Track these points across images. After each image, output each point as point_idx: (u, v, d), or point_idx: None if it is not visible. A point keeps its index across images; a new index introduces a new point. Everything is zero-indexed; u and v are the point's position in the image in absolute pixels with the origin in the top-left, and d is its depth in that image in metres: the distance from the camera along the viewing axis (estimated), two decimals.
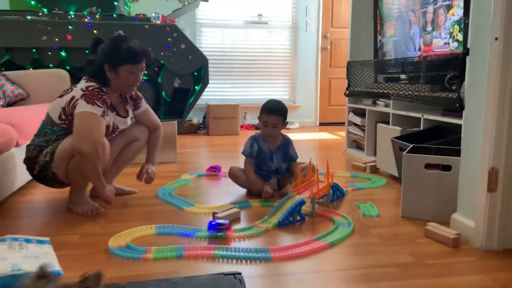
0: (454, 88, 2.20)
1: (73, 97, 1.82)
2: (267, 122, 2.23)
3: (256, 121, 5.24)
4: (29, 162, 1.89)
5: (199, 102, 4.61)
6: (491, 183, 1.48)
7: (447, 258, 1.45)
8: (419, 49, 2.67)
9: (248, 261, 1.43)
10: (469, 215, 1.61)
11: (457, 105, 2.09)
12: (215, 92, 5.33)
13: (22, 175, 2.16)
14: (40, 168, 1.86)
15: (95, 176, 1.82)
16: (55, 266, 1.31)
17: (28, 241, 1.44)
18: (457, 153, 1.84)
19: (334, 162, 2.96)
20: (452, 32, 2.34)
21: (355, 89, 3.32)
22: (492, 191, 1.49)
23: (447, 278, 1.31)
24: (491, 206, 1.50)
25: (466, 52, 2.06)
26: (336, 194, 2.14)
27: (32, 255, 1.34)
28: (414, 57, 2.66)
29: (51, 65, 3.74)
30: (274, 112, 2.22)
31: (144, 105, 2.13)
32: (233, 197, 2.21)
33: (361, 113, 3.35)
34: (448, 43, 2.38)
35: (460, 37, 2.28)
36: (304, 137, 4.60)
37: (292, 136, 4.23)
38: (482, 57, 1.55)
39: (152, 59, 1.96)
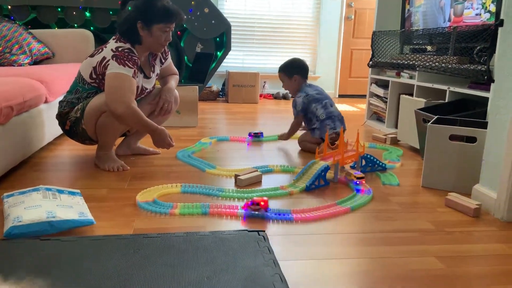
0: (483, 60, 2.15)
1: (104, 58, 1.84)
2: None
3: (275, 91, 5.22)
4: (61, 117, 1.94)
5: (219, 69, 4.59)
6: None
7: (467, 227, 1.47)
8: (449, 20, 2.60)
9: (271, 220, 1.47)
10: (491, 186, 1.61)
11: (486, 77, 2.05)
12: (235, 59, 5.29)
13: (51, 131, 2.23)
14: (71, 124, 1.91)
15: (143, 126, 1.87)
16: (88, 215, 1.37)
17: (60, 191, 1.50)
18: (482, 125, 1.83)
19: (354, 133, 2.96)
20: (484, 3, 2.27)
21: (379, 60, 3.26)
22: None
23: (466, 245, 1.33)
24: None
25: (499, 23, 2.01)
26: (372, 166, 2.10)
27: (65, 204, 1.40)
28: (445, 27, 2.59)
29: (75, 25, 3.75)
30: (279, 68, 2.55)
31: (169, 59, 2.20)
32: (253, 161, 2.25)
33: (383, 84, 3.31)
34: (480, 14, 2.32)
35: (492, 8, 2.21)
36: None
37: None
38: None
39: (184, 20, 1.97)
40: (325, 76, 5.56)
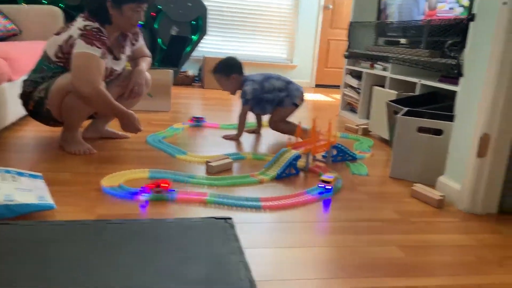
0: (453, 54, 2.19)
1: (70, 36, 1.77)
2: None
3: None
4: (25, 97, 1.87)
5: (195, 54, 4.52)
6: (482, 149, 1.51)
7: (431, 217, 1.50)
8: (423, 13, 2.62)
9: (239, 208, 1.46)
10: (455, 178, 1.65)
11: (456, 71, 2.09)
12: (213, 45, 5.22)
13: (14, 111, 2.14)
14: (35, 104, 1.84)
15: (111, 109, 1.81)
16: (48, 199, 1.32)
17: (20, 174, 1.44)
18: (450, 119, 1.86)
19: (327, 123, 2.97)
20: None
21: (355, 50, 3.28)
22: (482, 157, 1.52)
23: (429, 235, 1.36)
24: (478, 171, 1.53)
25: (470, 17, 2.03)
26: (343, 155, 2.11)
27: (25, 187, 1.35)
28: (418, 20, 2.62)
29: (44, 1, 3.60)
30: (213, 70, 2.46)
31: (141, 41, 2.13)
32: (225, 148, 2.23)
33: (358, 75, 3.33)
34: (453, 8, 2.34)
35: (465, 2, 2.24)
36: None
37: None
38: (487, 22, 1.53)
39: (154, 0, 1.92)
40: (302, 66, 5.56)
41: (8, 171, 1.43)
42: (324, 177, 1.66)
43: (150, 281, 0.97)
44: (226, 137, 2.43)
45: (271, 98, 2.41)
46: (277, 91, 2.40)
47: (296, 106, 2.45)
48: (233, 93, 2.50)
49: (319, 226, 1.38)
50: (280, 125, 2.45)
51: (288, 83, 2.45)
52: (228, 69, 2.43)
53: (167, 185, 1.48)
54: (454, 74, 2.11)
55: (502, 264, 1.21)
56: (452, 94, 2.17)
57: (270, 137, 2.53)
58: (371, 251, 1.22)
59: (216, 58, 4.71)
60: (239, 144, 2.33)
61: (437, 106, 2.14)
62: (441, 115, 1.96)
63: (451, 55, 2.23)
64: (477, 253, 1.26)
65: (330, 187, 1.63)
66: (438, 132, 1.83)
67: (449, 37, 2.27)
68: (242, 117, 2.41)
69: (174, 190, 1.49)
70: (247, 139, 2.45)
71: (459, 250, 1.28)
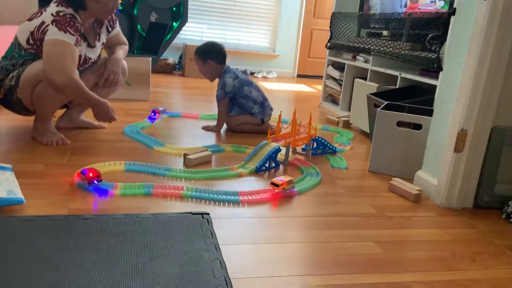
0: (434, 48, 2.19)
1: (43, 22, 1.69)
2: None
3: (233, 67, 5.13)
4: None
5: (176, 41, 4.43)
6: (459, 144, 1.52)
7: (407, 212, 1.51)
8: (405, 6, 2.62)
9: (217, 202, 1.44)
10: (433, 173, 1.66)
11: (436, 65, 2.09)
12: (194, 32, 5.13)
13: None
14: (5, 92, 1.77)
15: (84, 98, 1.75)
16: (18, 193, 1.27)
17: None
18: (429, 113, 1.87)
19: (308, 114, 2.96)
20: None
21: (337, 42, 3.26)
22: (459, 152, 1.53)
23: (405, 230, 1.37)
24: (455, 166, 1.55)
25: (451, 12, 2.04)
26: (323, 148, 2.11)
27: None
28: (399, 13, 2.61)
29: None
30: (195, 52, 2.42)
31: (118, 27, 2.06)
32: (204, 140, 2.19)
33: (340, 67, 3.32)
34: (435, 2, 2.35)
35: None
36: (281, 87, 4.56)
37: (269, 85, 4.19)
38: (467, 18, 1.53)
39: None
40: (284, 55, 5.53)
41: None
42: (274, 180, 1.54)
43: (117, 279, 0.95)
44: (206, 128, 2.39)
45: (242, 104, 2.35)
46: (251, 100, 2.35)
47: (262, 122, 2.40)
48: (211, 79, 2.45)
49: (296, 221, 1.37)
50: (243, 127, 2.38)
51: (265, 99, 2.40)
52: (207, 54, 2.37)
53: (93, 174, 1.44)
54: (434, 68, 2.11)
55: (475, 260, 1.22)
56: (432, 88, 2.18)
57: None
58: (348, 247, 1.22)
59: (197, 46, 4.66)
60: (218, 136, 2.30)
61: (417, 100, 2.15)
62: (421, 109, 1.96)
63: (431, 48, 2.24)
64: (452, 248, 1.28)
65: (279, 192, 1.52)
66: (417, 126, 1.84)
67: (430, 30, 2.27)
68: (223, 109, 2.36)
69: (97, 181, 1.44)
70: (228, 131, 2.41)
71: (434, 245, 1.29)
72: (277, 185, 1.53)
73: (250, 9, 5.30)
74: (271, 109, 2.45)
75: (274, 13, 5.40)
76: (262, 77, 5.18)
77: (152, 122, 2.39)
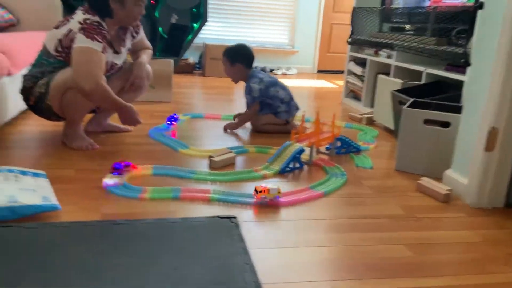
0: (461, 42, 2.14)
1: (70, 30, 1.73)
2: None
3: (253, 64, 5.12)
4: (25, 92, 1.85)
5: (196, 41, 4.45)
6: (490, 143, 1.49)
7: (437, 213, 1.49)
8: None
9: (243, 205, 1.45)
10: (462, 172, 1.63)
11: (463, 60, 2.05)
12: (213, 31, 5.15)
13: (15, 105, 2.12)
14: (36, 100, 1.82)
15: (111, 103, 1.79)
16: (52, 199, 1.31)
17: (23, 173, 1.43)
18: (457, 110, 1.83)
19: (330, 112, 2.94)
20: None
21: (358, 37, 3.22)
22: (490, 151, 1.50)
23: (435, 232, 1.35)
24: (486, 165, 1.51)
25: (478, 5, 1.98)
26: (347, 147, 2.09)
27: (28, 187, 1.34)
28: (424, 7, 2.56)
29: None
30: (223, 52, 2.41)
31: (142, 33, 2.09)
32: (227, 141, 2.21)
33: (362, 62, 3.28)
34: None
35: None
36: (301, 83, 4.53)
37: (289, 82, 4.17)
38: (496, 11, 1.49)
39: None
40: (303, 51, 5.49)
41: (11, 170, 1.42)
42: (257, 186, 1.45)
43: (152, 284, 0.97)
44: (227, 127, 2.39)
45: (270, 104, 2.35)
46: (278, 100, 2.34)
47: (287, 123, 2.40)
48: (236, 81, 2.45)
49: (323, 224, 1.36)
50: (267, 127, 2.38)
51: (291, 98, 2.40)
52: (235, 57, 2.37)
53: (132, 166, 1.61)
54: (461, 63, 2.07)
55: (508, 262, 1.20)
56: (459, 83, 2.14)
57: None
58: (378, 250, 1.21)
59: (217, 45, 4.68)
60: (241, 137, 2.31)
61: (443, 96, 2.11)
62: (448, 106, 1.92)
63: (458, 43, 2.19)
64: (483, 250, 1.25)
65: (257, 200, 1.44)
66: (445, 123, 1.81)
67: (456, 24, 2.22)
68: (252, 112, 2.36)
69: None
70: (250, 131, 2.42)
71: (466, 248, 1.27)
72: (257, 191, 1.44)
73: (269, 5, 5.28)
74: (297, 108, 2.44)
75: (293, 9, 5.36)
76: (282, 73, 5.16)
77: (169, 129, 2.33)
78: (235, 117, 2.49)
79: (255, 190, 1.45)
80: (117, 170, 1.59)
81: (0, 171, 1.39)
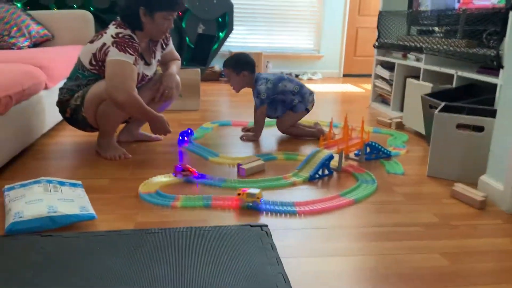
0: (493, 44, 2.09)
1: (104, 44, 1.80)
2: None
3: (278, 70, 5.14)
4: (61, 105, 1.92)
5: (221, 49, 4.51)
6: None
7: (473, 220, 1.45)
8: (458, 1, 2.51)
9: (273, 213, 1.46)
10: (498, 178, 1.59)
11: (495, 62, 1.99)
12: (238, 39, 5.20)
13: (52, 117, 2.21)
14: (72, 112, 1.89)
15: (143, 114, 1.85)
16: (89, 209, 1.36)
17: (61, 183, 1.49)
18: (490, 113, 1.78)
19: (358, 116, 2.91)
20: None
21: (385, 40, 3.19)
22: None
23: (471, 240, 1.32)
24: None
25: (510, 7, 1.94)
26: (376, 153, 2.07)
27: (67, 197, 1.39)
28: (453, 9, 2.51)
29: (75, 5, 3.67)
30: (224, 64, 2.40)
31: (171, 44, 2.15)
32: (255, 149, 2.22)
33: (389, 66, 3.24)
34: None
35: None
36: (327, 88, 4.51)
37: (314, 87, 4.16)
38: None
39: (184, 8, 1.93)
40: (329, 55, 5.46)
41: (50, 181, 1.48)
42: (241, 189, 1.48)
43: None
44: (244, 138, 2.40)
45: (283, 100, 2.36)
46: (289, 93, 2.35)
47: (307, 111, 2.41)
48: (238, 90, 2.45)
49: (355, 232, 1.35)
50: (293, 129, 2.40)
51: (301, 86, 2.40)
52: (240, 66, 2.38)
53: (192, 171, 1.72)
54: (493, 65, 2.01)
55: None
56: (491, 86, 2.08)
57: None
58: (412, 259, 1.19)
59: (242, 53, 4.71)
60: (269, 144, 2.32)
61: (476, 99, 2.05)
62: (481, 110, 1.87)
63: (489, 45, 2.13)
64: None
65: (238, 203, 1.46)
66: (478, 128, 1.76)
67: (487, 26, 2.16)
68: (260, 117, 2.37)
69: (201, 175, 1.72)
70: (278, 138, 2.43)
71: (503, 256, 1.23)
72: (239, 194, 1.47)
73: (293, 11, 5.28)
74: (311, 93, 2.42)
75: (318, 14, 5.35)
76: (307, 78, 5.15)
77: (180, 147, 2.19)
78: (244, 129, 2.52)
79: (238, 194, 1.48)
80: (179, 172, 1.72)
81: (40, 182, 1.46)
